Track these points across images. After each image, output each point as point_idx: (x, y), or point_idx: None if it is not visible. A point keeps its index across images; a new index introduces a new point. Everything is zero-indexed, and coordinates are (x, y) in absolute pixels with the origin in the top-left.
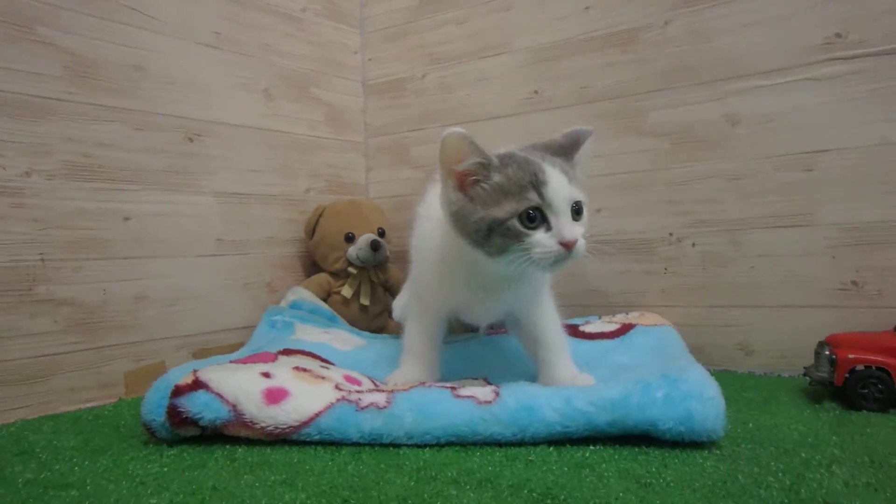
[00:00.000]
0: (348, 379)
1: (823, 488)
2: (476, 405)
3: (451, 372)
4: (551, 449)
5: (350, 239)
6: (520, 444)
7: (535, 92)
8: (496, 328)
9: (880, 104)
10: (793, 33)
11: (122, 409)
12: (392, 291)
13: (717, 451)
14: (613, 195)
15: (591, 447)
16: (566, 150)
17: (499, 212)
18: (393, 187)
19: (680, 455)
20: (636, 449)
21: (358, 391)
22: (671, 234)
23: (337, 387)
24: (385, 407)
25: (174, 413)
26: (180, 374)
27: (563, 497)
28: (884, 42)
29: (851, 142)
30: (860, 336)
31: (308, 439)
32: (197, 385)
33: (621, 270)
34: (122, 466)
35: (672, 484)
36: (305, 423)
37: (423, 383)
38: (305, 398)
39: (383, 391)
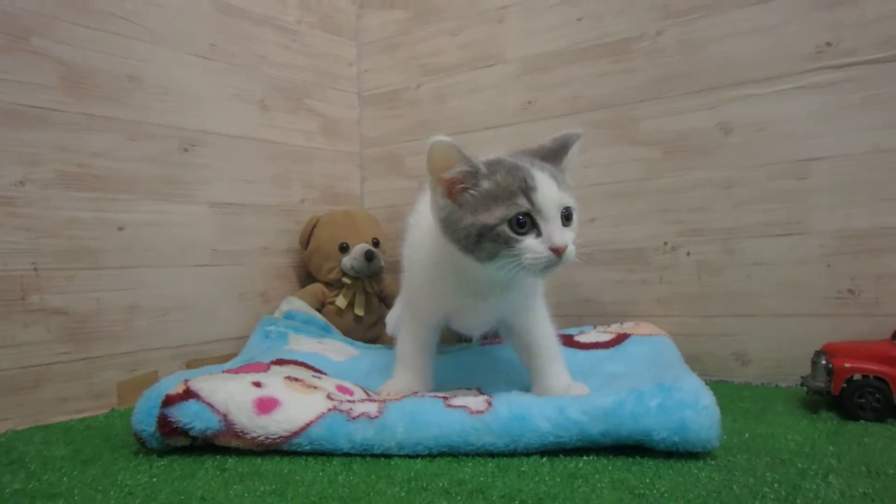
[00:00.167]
0: (340, 389)
1: (819, 499)
2: (468, 415)
3: (445, 382)
4: (544, 459)
5: (344, 249)
6: (512, 454)
7: (529, 102)
8: (490, 338)
9: (872, 112)
10: (784, 42)
11: (113, 420)
12: (387, 301)
13: (712, 462)
14: (607, 204)
15: (585, 457)
16: (555, 154)
17: (489, 218)
18: (387, 197)
19: (674, 465)
20: (630, 459)
21: (350, 401)
22: (665, 243)
23: (329, 396)
24: (376, 417)
25: (165, 423)
26: (171, 384)
27: None
28: (875, 50)
29: (844, 149)
30: (857, 345)
31: (299, 449)
32: (188, 395)
33: (616, 280)
34: (111, 477)
35: (666, 495)
36: (296, 434)
37: (415, 393)
38: (296, 408)
39: (375, 401)
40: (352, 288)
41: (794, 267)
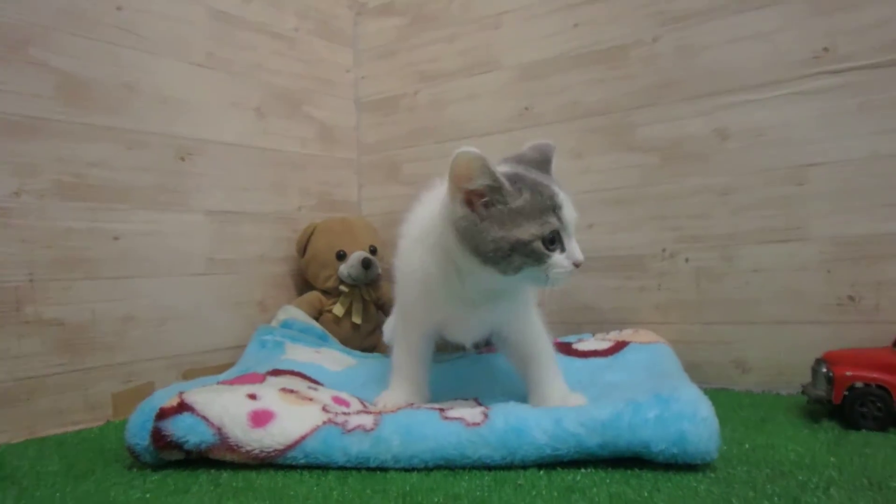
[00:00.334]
0: (336, 400)
1: None
2: (464, 427)
3: (442, 392)
4: (541, 472)
5: (341, 257)
6: (509, 467)
7: (526, 108)
8: (485, 346)
9: (869, 117)
10: (781, 48)
11: (108, 432)
12: (384, 309)
13: (712, 474)
14: (605, 211)
15: (582, 470)
16: (540, 164)
17: (522, 234)
18: (385, 204)
19: (673, 478)
20: (628, 472)
21: (345, 413)
22: (664, 250)
23: (324, 408)
24: (372, 429)
25: (158, 436)
26: (165, 397)
27: None
28: (871, 56)
29: (842, 155)
30: (858, 353)
31: (294, 463)
32: (182, 408)
33: (614, 287)
34: (103, 492)
35: None
36: (291, 447)
37: (411, 404)
38: (291, 420)
39: (371, 413)
40: (349, 296)
41: (793, 274)
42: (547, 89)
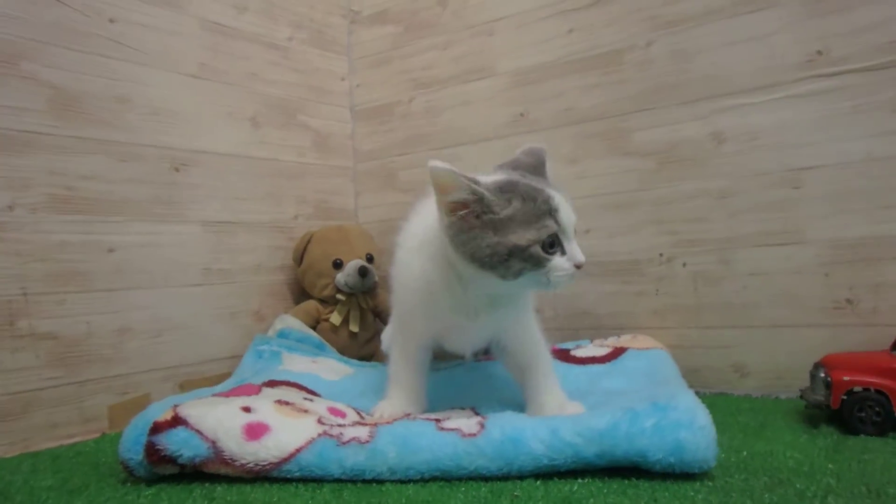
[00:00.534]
0: (332, 411)
1: None
2: (460, 438)
3: (439, 401)
4: (538, 482)
5: (338, 265)
6: (506, 477)
7: (521, 114)
8: (483, 355)
9: (864, 120)
10: (775, 51)
11: (103, 445)
12: (382, 317)
13: (709, 483)
14: (602, 216)
15: (580, 480)
16: (535, 168)
17: (518, 239)
18: (382, 212)
19: (670, 487)
20: (626, 481)
21: (340, 425)
22: (661, 255)
23: (319, 420)
24: (367, 441)
25: (152, 451)
26: (160, 410)
27: None
28: (864, 59)
29: (838, 158)
30: (856, 357)
31: (289, 476)
32: (176, 421)
33: (612, 292)
34: None
35: None
36: (286, 460)
37: (408, 415)
38: (286, 433)
39: (366, 424)
40: (346, 304)
41: (791, 277)
42: (542, 95)
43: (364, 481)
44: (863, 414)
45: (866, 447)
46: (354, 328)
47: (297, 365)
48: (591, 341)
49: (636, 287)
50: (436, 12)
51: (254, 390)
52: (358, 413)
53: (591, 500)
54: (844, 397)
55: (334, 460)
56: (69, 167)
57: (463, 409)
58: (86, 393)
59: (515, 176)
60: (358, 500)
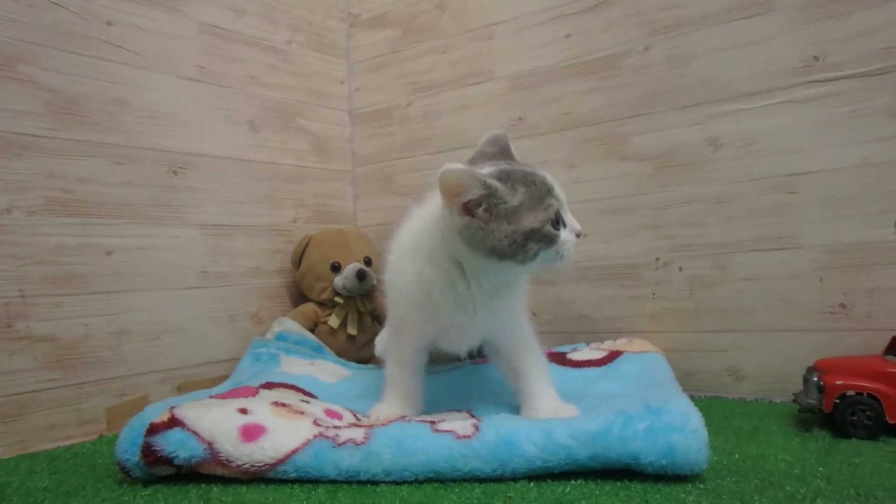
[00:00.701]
0: (329, 413)
1: None
2: (455, 440)
3: (435, 404)
4: (531, 484)
5: (336, 268)
6: (500, 479)
7: (519, 118)
8: (479, 357)
9: (860, 125)
10: (771, 57)
11: (101, 447)
12: (380, 320)
13: (701, 485)
14: (599, 220)
15: (573, 481)
16: (504, 155)
17: (532, 222)
18: (380, 215)
19: (662, 489)
20: (618, 483)
21: (336, 426)
22: (658, 259)
23: (315, 422)
24: (363, 443)
25: (149, 452)
26: (157, 412)
27: None
28: (860, 64)
29: (833, 163)
30: (849, 361)
31: (285, 477)
32: (173, 423)
33: (609, 296)
34: None
35: None
36: (282, 461)
37: (403, 417)
38: (282, 434)
39: (362, 426)
40: (344, 307)
41: (786, 281)
42: (540, 99)
43: (359, 482)
44: (855, 418)
45: (857, 451)
46: (353, 331)
47: (295, 367)
48: (588, 345)
49: (633, 291)
50: (434, 16)
51: (251, 392)
52: (354, 415)
53: (584, 502)
54: (837, 401)
55: (330, 462)
56: (67, 170)
57: (459, 411)
58: (83, 395)
59: (503, 164)
60: (353, 501)
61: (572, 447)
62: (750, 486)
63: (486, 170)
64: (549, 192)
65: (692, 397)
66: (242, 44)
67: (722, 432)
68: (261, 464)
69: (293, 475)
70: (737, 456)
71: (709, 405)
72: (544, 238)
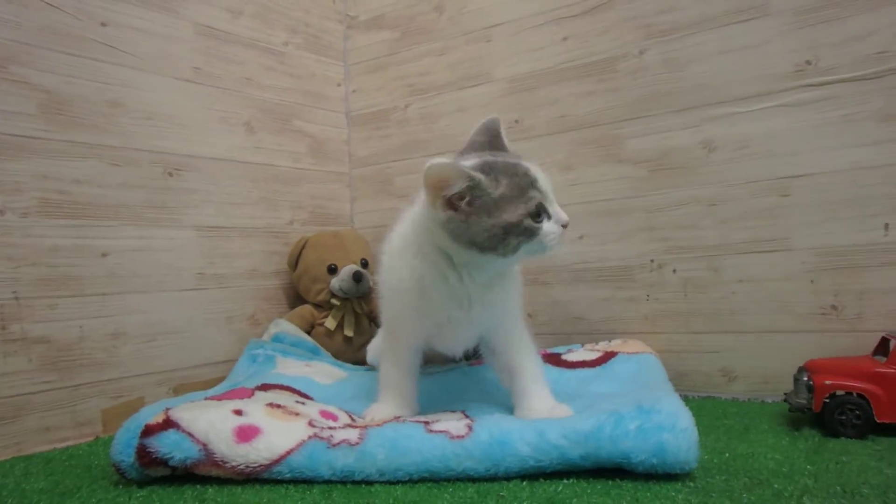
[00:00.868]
0: (324, 414)
1: None
2: (448, 440)
3: (430, 404)
4: (524, 484)
5: (332, 270)
6: (493, 479)
7: (516, 121)
8: (474, 359)
9: (852, 129)
10: (765, 61)
11: (96, 448)
12: (377, 322)
13: (691, 484)
14: (594, 222)
15: (565, 481)
16: (493, 144)
17: (510, 216)
18: (378, 217)
19: (652, 488)
20: (609, 482)
21: (331, 427)
22: (652, 261)
23: (310, 423)
24: (357, 443)
25: (144, 453)
26: (152, 413)
27: None
28: (853, 69)
29: (825, 166)
30: (838, 361)
31: (279, 478)
32: (168, 424)
33: (603, 297)
34: None
35: None
36: (276, 462)
37: (398, 418)
38: (277, 435)
39: (356, 427)
40: (341, 309)
41: (778, 283)
42: (536, 102)
43: (353, 483)
44: (844, 417)
45: (845, 449)
46: (349, 333)
47: (291, 369)
48: (583, 346)
49: (628, 293)
50: (432, 18)
51: (247, 394)
52: (350, 416)
53: (576, 501)
54: (826, 400)
55: (324, 462)
56: (62, 171)
57: (453, 412)
58: (79, 397)
59: (487, 156)
60: (347, 501)
61: (564, 447)
62: (739, 484)
63: (470, 162)
64: (531, 184)
65: (685, 398)
66: (239, 45)
67: (713, 432)
68: (256, 464)
69: (288, 476)
70: (727, 455)
71: (701, 405)
72: (524, 232)
